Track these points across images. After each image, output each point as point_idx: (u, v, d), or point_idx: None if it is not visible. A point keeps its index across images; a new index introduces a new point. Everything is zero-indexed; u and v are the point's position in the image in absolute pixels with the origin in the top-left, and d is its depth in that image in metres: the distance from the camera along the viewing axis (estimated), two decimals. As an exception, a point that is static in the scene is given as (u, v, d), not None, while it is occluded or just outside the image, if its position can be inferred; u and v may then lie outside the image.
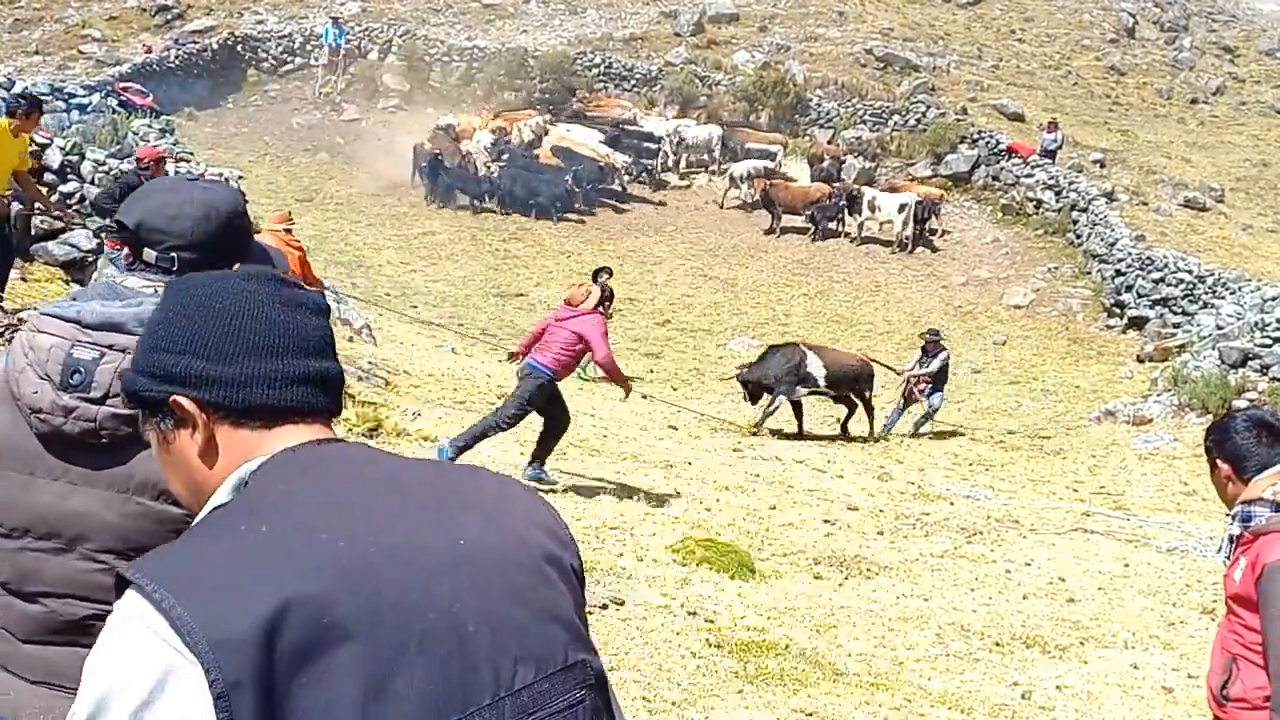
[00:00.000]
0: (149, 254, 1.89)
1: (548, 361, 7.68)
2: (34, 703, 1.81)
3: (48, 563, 1.79)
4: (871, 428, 13.57)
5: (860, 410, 13.64)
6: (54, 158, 10.66)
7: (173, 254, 1.89)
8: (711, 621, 5.53)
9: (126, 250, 1.96)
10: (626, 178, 23.99)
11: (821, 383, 13.08)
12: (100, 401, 1.76)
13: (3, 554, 1.81)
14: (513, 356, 8.77)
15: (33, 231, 9.91)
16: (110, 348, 1.77)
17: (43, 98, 17.46)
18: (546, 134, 24.39)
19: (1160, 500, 11.03)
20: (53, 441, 1.78)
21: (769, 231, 22.92)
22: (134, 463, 1.78)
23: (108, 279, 1.90)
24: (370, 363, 10.90)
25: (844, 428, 13.57)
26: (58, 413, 1.75)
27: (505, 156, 22.95)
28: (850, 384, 13.40)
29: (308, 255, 9.21)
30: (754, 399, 13.09)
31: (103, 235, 9.50)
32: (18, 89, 16.89)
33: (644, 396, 13.82)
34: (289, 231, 8.96)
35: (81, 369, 1.75)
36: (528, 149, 23.59)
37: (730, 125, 25.96)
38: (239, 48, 27.08)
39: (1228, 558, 2.69)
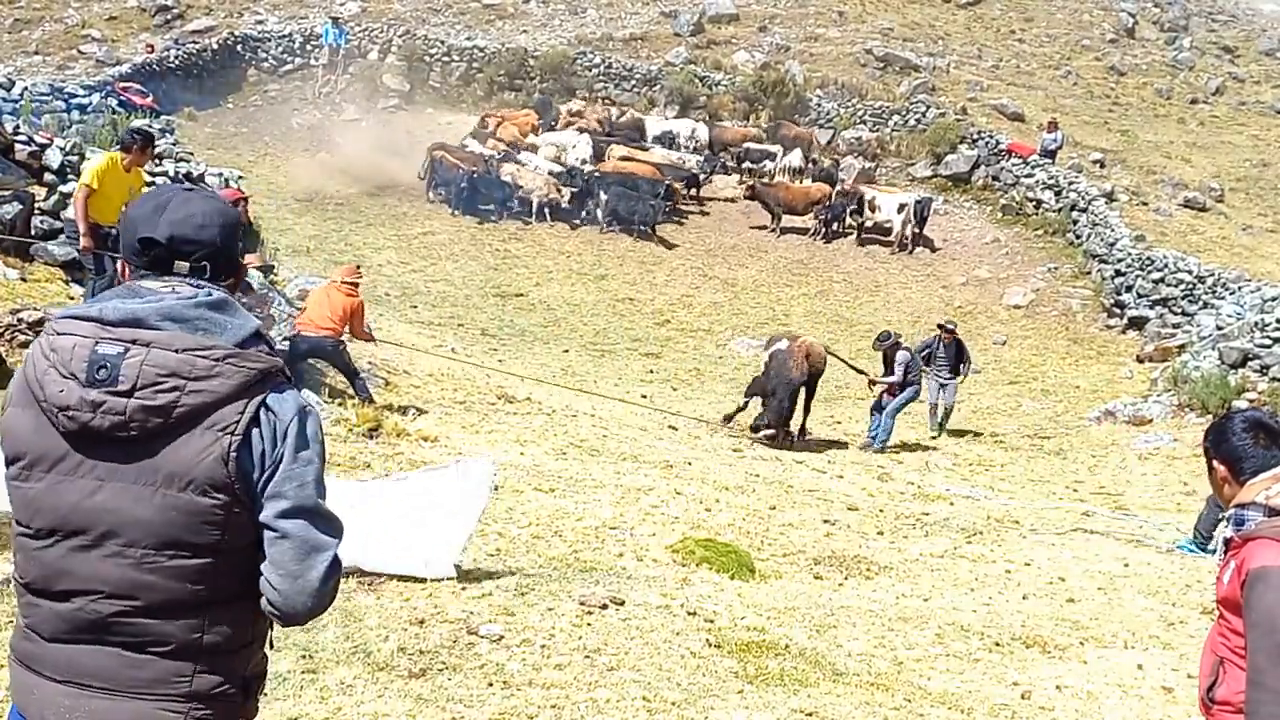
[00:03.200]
0: (181, 266, 1.92)
1: None
2: (61, 701, 1.84)
3: (76, 560, 1.81)
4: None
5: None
6: (54, 158, 10.65)
7: (204, 262, 1.94)
8: (711, 621, 5.53)
9: (123, 268, 1.97)
10: (707, 179, 24.17)
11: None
12: (129, 394, 1.78)
13: (30, 554, 1.84)
14: None
15: (33, 231, 9.90)
16: (134, 342, 1.81)
17: (43, 98, 17.53)
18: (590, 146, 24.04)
19: (1160, 500, 11.03)
20: (80, 439, 1.80)
21: (768, 230, 22.92)
22: (162, 455, 1.80)
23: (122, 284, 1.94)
24: (370, 363, 10.90)
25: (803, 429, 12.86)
26: (85, 408, 1.78)
27: (572, 177, 22.24)
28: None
29: (363, 306, 9.78)
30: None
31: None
32: (18, 89, 16.91)
33: (643, 397, 13.81)
34: (356, 285, 9.58)
35: (107, 364, 1.79)
36: (593, 168, 22.96)
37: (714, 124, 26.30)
38: (239, 48, 27.07)
39: (1220, 560, 2.69)
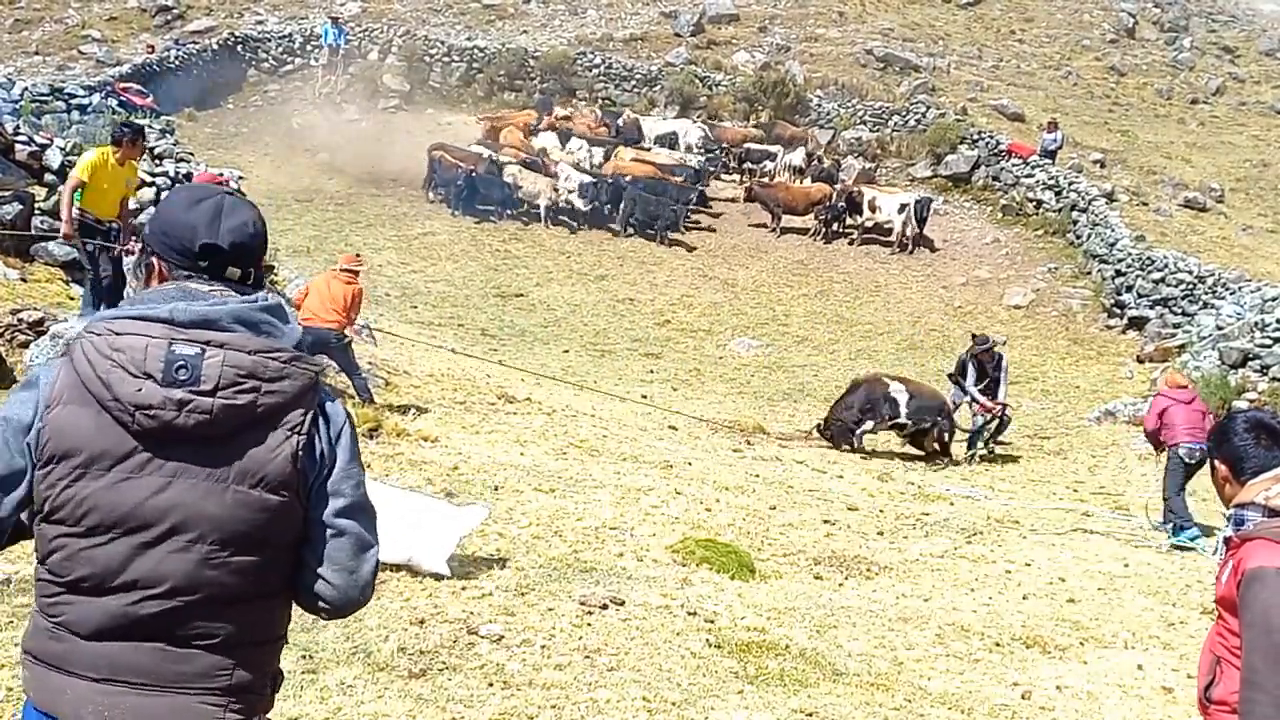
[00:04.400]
0: (234, 272, 1.97)
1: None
2: (98, 699, 1.83)
3: (136, 557, 1.82)
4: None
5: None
6: (54, 158, 10.65)
7: (251, 268, 2.00)
8: (711, 621, 5.53)
9: (160, 265, 1.98)
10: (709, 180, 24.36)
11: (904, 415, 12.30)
12: (212, 394, 1.82)
13: (76, 553, 1.83)
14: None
15: (33, 231, 9.91)
16: (208, 343, 1.84)
17: (43, 98, 17.53)
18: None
19: (1160, 500, 11.02)
20: (155, 437, 1.82)
21: (768, 230, 22.92)
22: (236, 453, 1.85)
23: (176, 284, 1.95)
24: (370, 363, 10.90)
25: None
26: (170, 407, 1.81)
27: (597, 186, 21.98)
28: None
29: (361, 295, 9.75)
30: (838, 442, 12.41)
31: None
32: (18, 89, 16.91)
33: (643, 397, 13.81)
34: (356, 274, 9.53)
35: (187, 364, 1.82)
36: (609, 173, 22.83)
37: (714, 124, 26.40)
38: (239, 48, 27.07)
39: (1220, 560, 2.69)
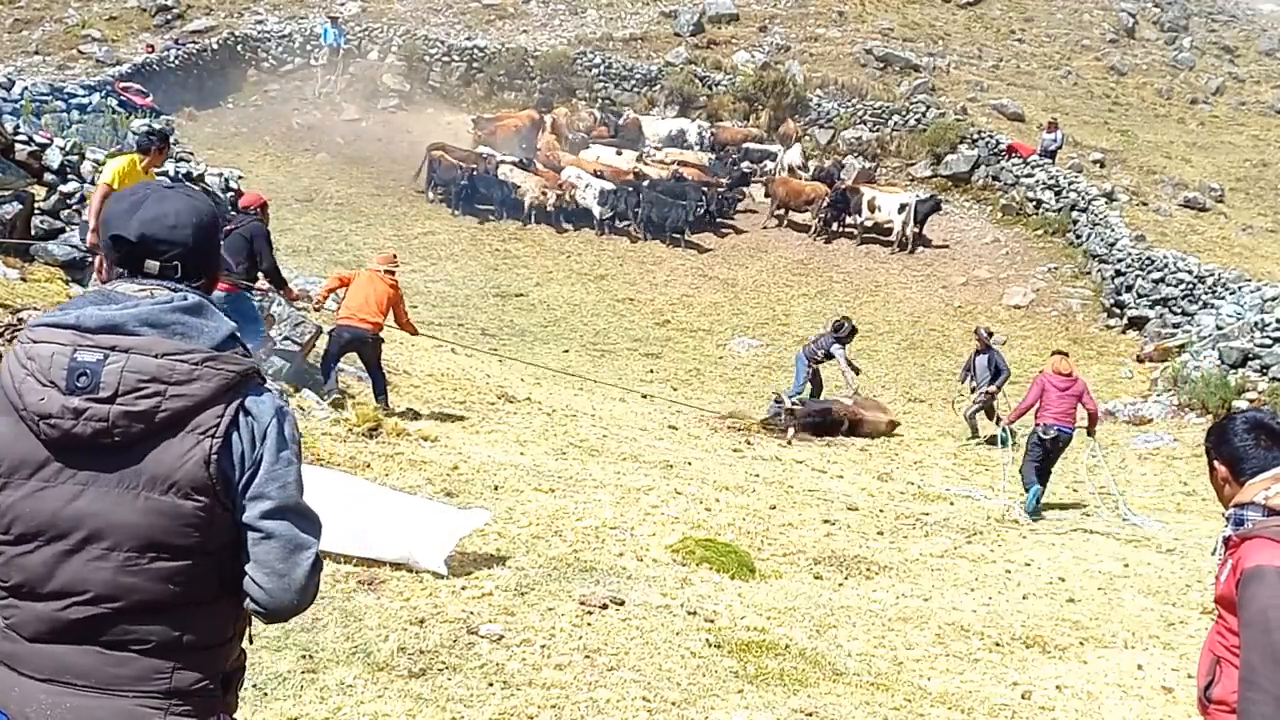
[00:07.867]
0: (151, 265, 1.92)
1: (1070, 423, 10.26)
2: (41, 699, 1.84)
3: (59, 565, 1.82)
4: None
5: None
6: (54, 158, 10.64)
7: (175, 262, 1.93)
8: (711, 621, 5.53)
9: (101, 263, 1.98)
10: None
11: None
12: (110, 401, 1.79)
13: (10, 560, 1.84)
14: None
15: (33, 231, 9.90)
16: (113, 349, 1.81)
17: (43, 98, 17.53)
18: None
19: (1160, 500, 11.03)
20: (62, 446, 1.81)
21: (765, 227, 22.92)
22: (144, 460, 1.81)
23: (97, 286, 1.93)
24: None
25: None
26: (67, 416, 1.79)
27: (616, 194, 21.89)
28: None
29: (402, 296, 9.85)
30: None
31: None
32: (18, 89, 16.91)
33: (644, 396, 13.81)
34: (390, 273, 9.61)
35: (87, 371, 1.79)
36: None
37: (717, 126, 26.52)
38: (239, 48, 27.06)
39: (1220, 560, 2.69)
